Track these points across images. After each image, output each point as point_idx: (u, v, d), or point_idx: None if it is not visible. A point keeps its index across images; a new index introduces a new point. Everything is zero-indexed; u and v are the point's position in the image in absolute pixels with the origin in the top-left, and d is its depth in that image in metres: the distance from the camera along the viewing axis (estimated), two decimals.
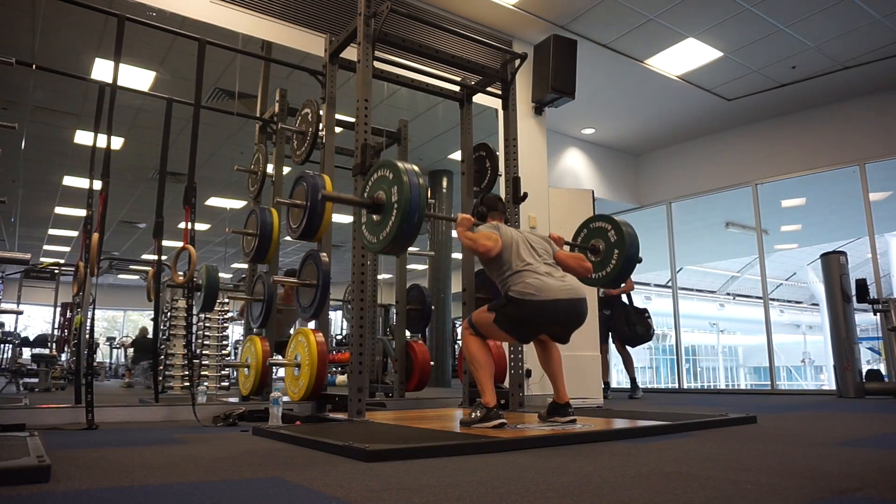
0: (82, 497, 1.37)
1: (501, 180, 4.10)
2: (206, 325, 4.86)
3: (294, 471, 1.71)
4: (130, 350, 9.12)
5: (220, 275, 4.20)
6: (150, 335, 8.38)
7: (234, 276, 8.91)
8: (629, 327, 5.97)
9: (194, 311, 4.13)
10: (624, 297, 6.10)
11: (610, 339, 6.21)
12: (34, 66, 3.73)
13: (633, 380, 6.01)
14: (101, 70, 4.98)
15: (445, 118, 5.88)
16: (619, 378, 8.37)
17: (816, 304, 15.19)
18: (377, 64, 3.63)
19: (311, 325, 4.45)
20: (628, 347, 6.07)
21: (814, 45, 5.81)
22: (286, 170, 4.54)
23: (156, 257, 3.81)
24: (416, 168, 2.55)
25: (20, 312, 7.67)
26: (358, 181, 3.09)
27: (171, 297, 5.21)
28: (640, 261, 3.33)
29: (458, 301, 4.16)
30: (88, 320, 3.39)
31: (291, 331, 5.51)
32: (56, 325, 8.24)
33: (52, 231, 10.15)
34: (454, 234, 8.32)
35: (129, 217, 9.13)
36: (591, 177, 8.11)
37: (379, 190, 2.62)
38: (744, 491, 1.40)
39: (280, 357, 3.73)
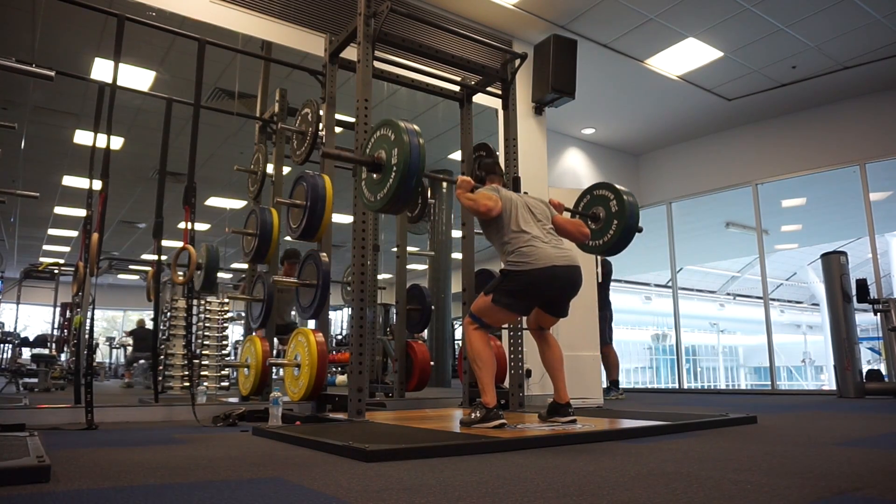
0: (82, 497, 1.36)
1: None
2: (206, 325, 4.86)
3: (294, 471, 1.70)
4: (130, 340, 9.11)
5: (220, 275, 4.19)
6: (147, 326, 8.38)
7: (234, 276, 8.92)
8: None
9: (195, 288, 4.10)
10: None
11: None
12: (34, 66, 3.72)
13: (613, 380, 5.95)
14: (101, 70, 4.99)
15: (445, 118, 5.88)
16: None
17: (816, 304, 15.17)
18: (377, 64, 3.63)
19: (311, 324, 4.45)
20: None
21: (814, 45, 5.81)
22: (286, 170, 4.54)
23: (156, 257, 3.81)
24: (416, 128, 2.54)
25: None
26: (357, 175, 3.09)
27: (171, 297, 5.21)
28: (640, 230, 3.31)
29: (458, 301, 4.16)
30: (88, 320, 3.39)
31: (293, 313, 5.46)
32: (56, 325, 8.25)
33: (51, 231, 10.15)
34: (455, 232, 8.35)
35: (129, 217, 9.13)
36: (591, 177, 8.11)
37: (380, 149, 2.59)
38: (744, 491, 1.40)
39: (280, 357, 3.73)
